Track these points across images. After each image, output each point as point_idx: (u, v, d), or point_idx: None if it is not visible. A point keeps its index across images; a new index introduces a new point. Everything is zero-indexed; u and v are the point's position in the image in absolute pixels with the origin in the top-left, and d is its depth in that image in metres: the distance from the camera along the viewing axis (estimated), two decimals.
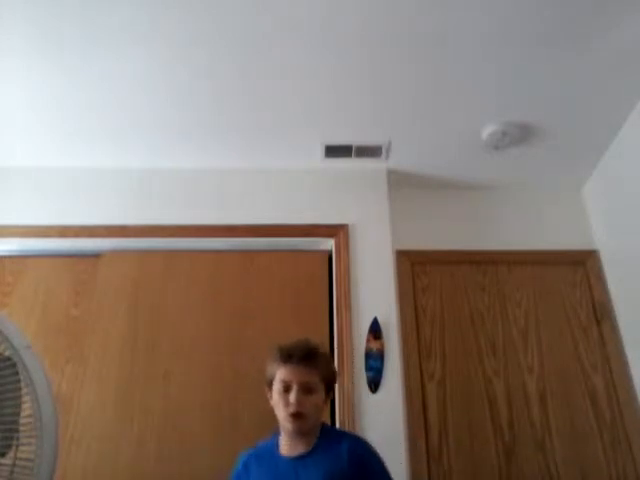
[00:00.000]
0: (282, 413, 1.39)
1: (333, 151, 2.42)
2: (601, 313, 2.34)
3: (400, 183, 2.57)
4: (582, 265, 2.46)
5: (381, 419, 1.99)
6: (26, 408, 1.15)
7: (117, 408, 2.04)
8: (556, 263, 2.46)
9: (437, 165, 2.52)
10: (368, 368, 2.06)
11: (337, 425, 1.98)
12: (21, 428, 1.14)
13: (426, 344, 2.29)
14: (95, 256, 2.34)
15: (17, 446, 1.13)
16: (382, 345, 2.09)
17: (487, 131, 2.27)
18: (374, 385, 2.04)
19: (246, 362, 2.09)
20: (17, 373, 1.16)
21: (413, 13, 1.78)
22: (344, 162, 2.48)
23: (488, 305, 2.38)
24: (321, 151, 2.42)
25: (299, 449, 1.40)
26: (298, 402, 1.37)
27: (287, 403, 1.38)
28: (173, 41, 1.89)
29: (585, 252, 2.48)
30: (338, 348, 2.11)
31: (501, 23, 1.81)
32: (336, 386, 2.03)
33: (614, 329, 2.29)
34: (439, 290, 2.41)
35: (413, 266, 2.44)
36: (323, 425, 1.47)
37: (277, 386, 1.41)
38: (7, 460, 1.12)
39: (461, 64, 1.98)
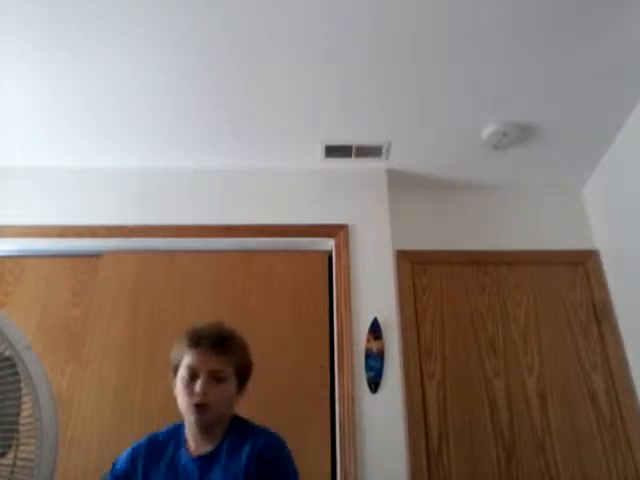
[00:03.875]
0: (185, 403, 1.27)
1: (333, 151, 2.42)
2: (601, 313, 2.33)
3: (400, 183, 2.57)
4: (582, 265, 2.45)
5: (381, 419, 1.99)
6: (26, 408, 1.15)
7: (117, 408, 2.04)
8: (556, 263, 2.46)
9: (437, 165, 2.52)
10: (368, 368, 2.06)
11: (337, 425, 1.98)
12: (21, 428, 1.14)
13: (426, 344, 2.29)
14: (95, 256, 2.34)
15: (17, 446, 1.13)
16: (382, 345, 2.09)
17: (487, 131, 2.27)
18: (374, 385, 2.04)
19: None
20: (17, 373, 1.15)
21: (413, 13, 1.78)
22: (344, 162, 2.48)
23: (488, 305, 2.38)
24: (321, 151, 2.41)
25: (204, 447, 1.28)
26: (204, 392, 1.25)
27: (191, 392, 1.26)
28: (173, 41, 1.89)
29: (585, 252, 2.48)
30: (338, 348, 2.11)
31: (501, 23, 1.81)
32: (336, 386, 2.04)
33: (614, 329, 2.29)
34: (439, 290, 2.41)
35: (413, 266, 2.44)
36: (234, 418, 1.34)
37: (182, 373, 1.30)
38: (7, 460, 1.11)
39: (461, 64, 1.98)
